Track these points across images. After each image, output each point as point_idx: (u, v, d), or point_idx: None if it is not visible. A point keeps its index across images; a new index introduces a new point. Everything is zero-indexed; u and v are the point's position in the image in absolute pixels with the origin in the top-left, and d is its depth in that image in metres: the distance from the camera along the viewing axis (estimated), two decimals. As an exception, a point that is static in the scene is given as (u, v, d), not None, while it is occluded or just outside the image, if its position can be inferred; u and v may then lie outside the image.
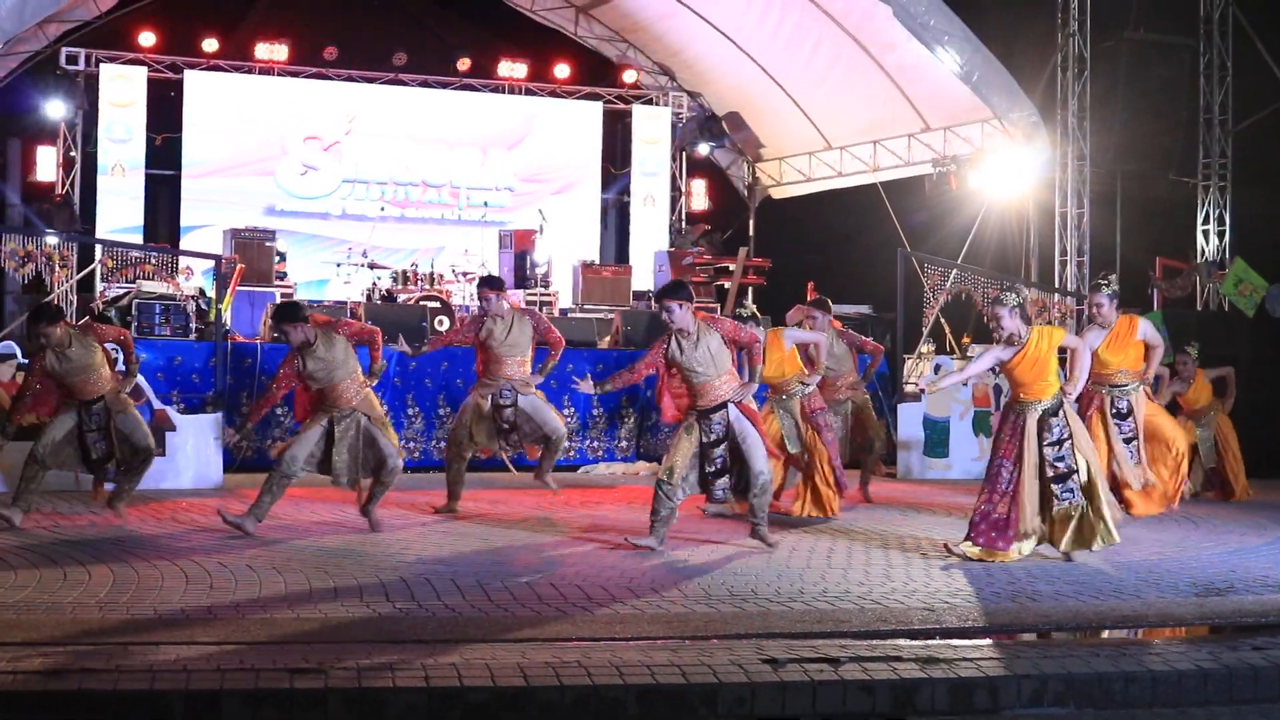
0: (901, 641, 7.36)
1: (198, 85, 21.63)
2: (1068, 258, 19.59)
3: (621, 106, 24.01)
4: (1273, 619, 8.21)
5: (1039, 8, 20.26)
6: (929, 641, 7.40)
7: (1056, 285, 19.55)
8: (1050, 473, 9.77)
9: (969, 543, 9.86)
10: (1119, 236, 21.27)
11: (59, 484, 12.05)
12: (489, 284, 12.14)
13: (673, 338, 10.04)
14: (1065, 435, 9.77)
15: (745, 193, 25.12)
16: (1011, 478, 9.77)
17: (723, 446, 10.11)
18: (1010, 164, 19.23)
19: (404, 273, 19.53)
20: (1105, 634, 7.89)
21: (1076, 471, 9.76)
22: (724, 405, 10.07)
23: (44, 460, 10.83)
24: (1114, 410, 11.83)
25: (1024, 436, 9.77)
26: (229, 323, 15.60)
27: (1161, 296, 19.89)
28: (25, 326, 11.29)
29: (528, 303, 19.35)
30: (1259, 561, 10.20)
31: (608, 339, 17.20)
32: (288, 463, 10.55)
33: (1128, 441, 11.84)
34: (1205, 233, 20.48)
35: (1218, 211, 20.42)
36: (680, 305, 9.99)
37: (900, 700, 6.45)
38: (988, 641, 7.44)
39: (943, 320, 18.62)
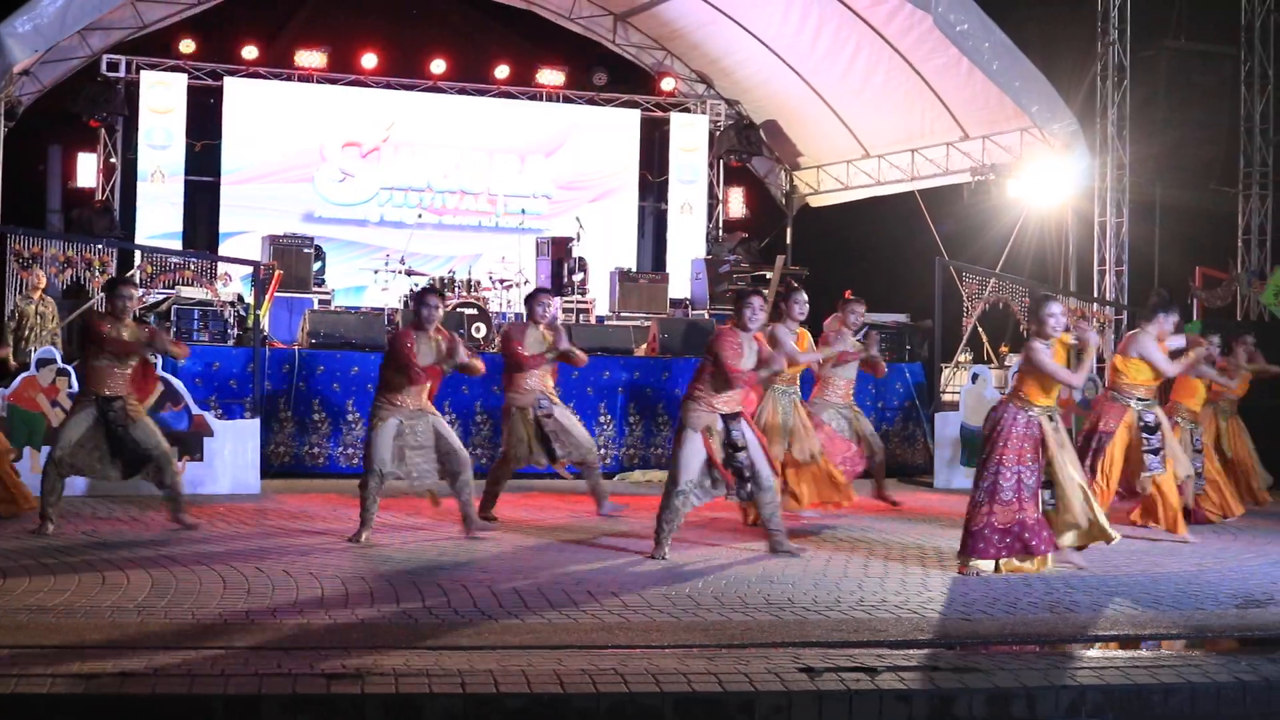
0: (939, 651, 7.33)
1: (237, 92, 21.72)
2: (1106, 267, 19.48)
3: (659, 114, 24.01)
4: (1314, 631, 8.16)
5: (1079, 16, 20.17)
6: (966, 651, 7.38)
7: (1095, 295, 19.46)
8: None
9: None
10: (1158, 246, 21.16)
11: (114, 489, 12.14)
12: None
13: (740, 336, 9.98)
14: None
15: (783, 201, 25.04)
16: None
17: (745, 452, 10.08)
18: (1049, 173, 19.13)
19: (441, 279, 19.57)
20: (1144, 645, 7.85)
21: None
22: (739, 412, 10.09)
23: (62, 464, 10.71)
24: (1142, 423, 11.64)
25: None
26: (267, 329, 15.66)
27: (1201, 306, 19.78)
28: (104, 296, 11.32)
29: (565, 310, 19.42)
30: (1300, 573, 10.14)
31: (644, 347, 17.19)
32: None
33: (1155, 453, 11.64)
34: (1246, 242, 20.34)
35: (1259, 221, 20.29)
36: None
37: (937, 710, 6.43)
38: (1025, 651, 7.42)
39: (980, 329, 18.56)
